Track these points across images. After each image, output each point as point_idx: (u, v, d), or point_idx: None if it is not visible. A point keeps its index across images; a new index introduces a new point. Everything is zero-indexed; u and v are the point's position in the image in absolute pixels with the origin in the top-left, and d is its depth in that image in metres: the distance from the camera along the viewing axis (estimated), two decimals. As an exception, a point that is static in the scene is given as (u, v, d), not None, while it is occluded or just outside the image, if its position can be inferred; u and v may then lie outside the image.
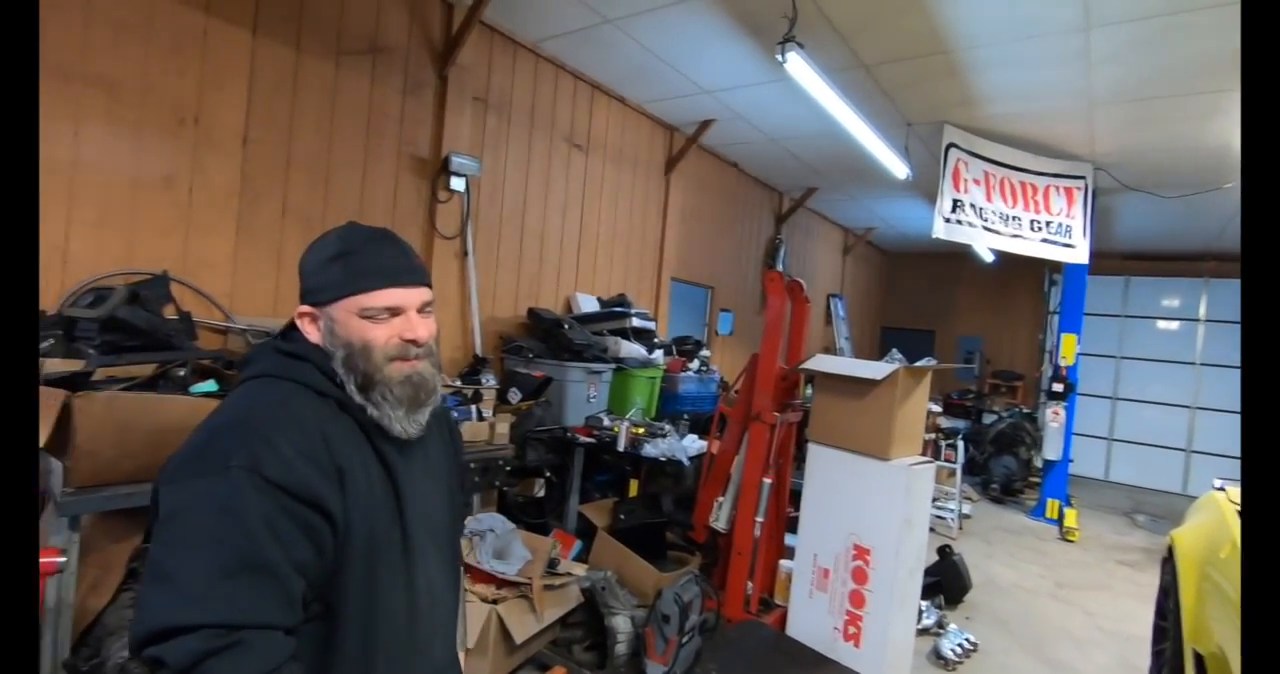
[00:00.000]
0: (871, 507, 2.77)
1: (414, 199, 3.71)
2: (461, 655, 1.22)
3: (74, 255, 2.48)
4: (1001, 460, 7.09)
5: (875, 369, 2.75)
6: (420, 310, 1.02)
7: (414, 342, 0.99)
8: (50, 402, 1.79)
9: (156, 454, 1.88)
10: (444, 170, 3.74)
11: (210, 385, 2.16)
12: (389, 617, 0.95)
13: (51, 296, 2.41)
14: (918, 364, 3.03)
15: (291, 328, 1.05)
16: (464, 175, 3.81)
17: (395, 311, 0.99)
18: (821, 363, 2.98)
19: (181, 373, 2.18)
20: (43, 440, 1.78)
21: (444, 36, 3.76)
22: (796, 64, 3.39)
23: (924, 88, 4.38)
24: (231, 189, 2.94)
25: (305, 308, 1.00)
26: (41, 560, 1.43)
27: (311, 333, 1.00)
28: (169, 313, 2.65)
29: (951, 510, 5.51)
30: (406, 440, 1.03)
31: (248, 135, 2.97)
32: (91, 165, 2.52)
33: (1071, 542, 5.60)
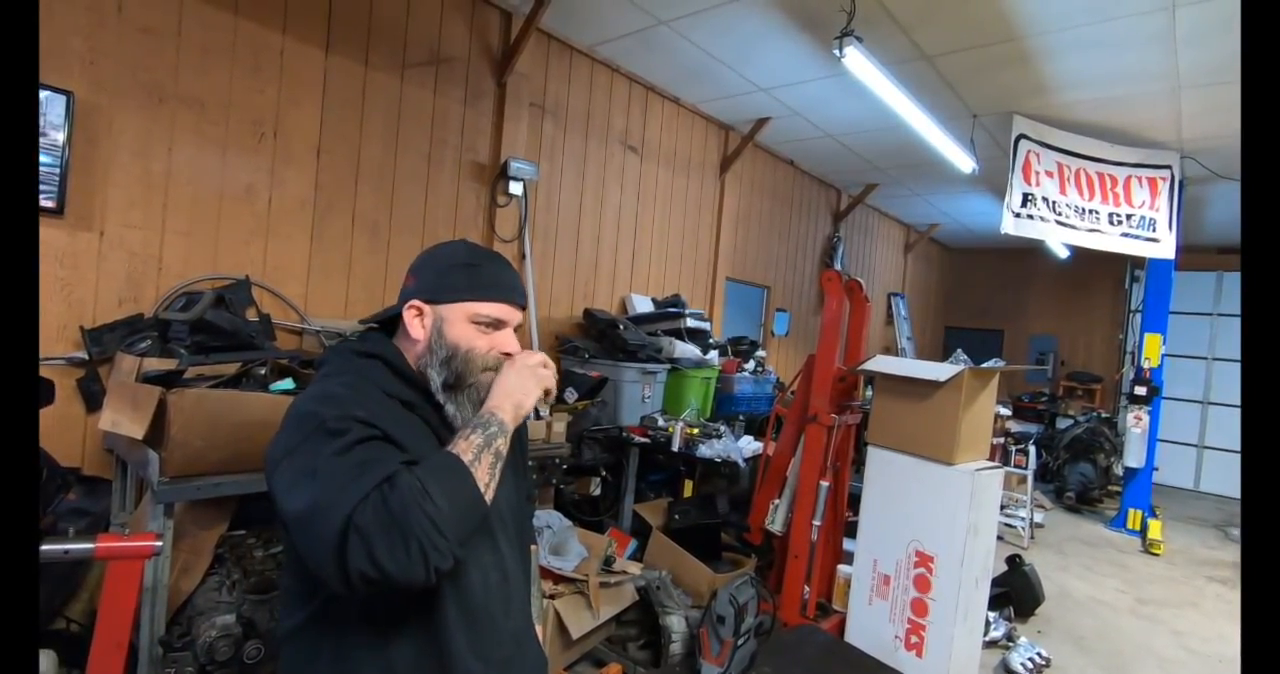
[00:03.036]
0: (935, 513, 2.69)
1: (474, 204, 3.83)
2: (539, 629, 1.28)
3: (167, 263, 2.68)
4: (1077, 467, 6.71)
5: (938, 370, 2.66)
6: (515, 329, 1.13)
7: (508, 355, 1.09)
8: (148, 397, 1.95)
9: (240, 447, 2.03)
10: (502, 175, 3.84)
11: (288, 383, 2.29)
12: (467, 589, 1.02)
13: (148, 301, 2.61)
14: (985, 365, 2.92)
15: (372, 327, 1.14)
16: (522, 180, 3.90)
17: (498, 325, 1.09)
18: (881, 364, 2.91)
19: (262, 371, 2.32)
20: (142, 434, 1.93)
21: (502, 45, 3.86)
22: (855, 59, 3.32)
23: (991, 77, 4.21)
24: (306, 199, 3.11)
25: (418, 303, 1.07)
26: (140, 544, 1.55)
27: (415, 327, 1.07)
28: (250, 315, 2.82)
29: (1022, 519, 5.26)
30: None
31: (320, 148, 3.14)
32: (183, 179, 2.72)
33: (1156, 555, 5.25)
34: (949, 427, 2.63)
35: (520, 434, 1.33)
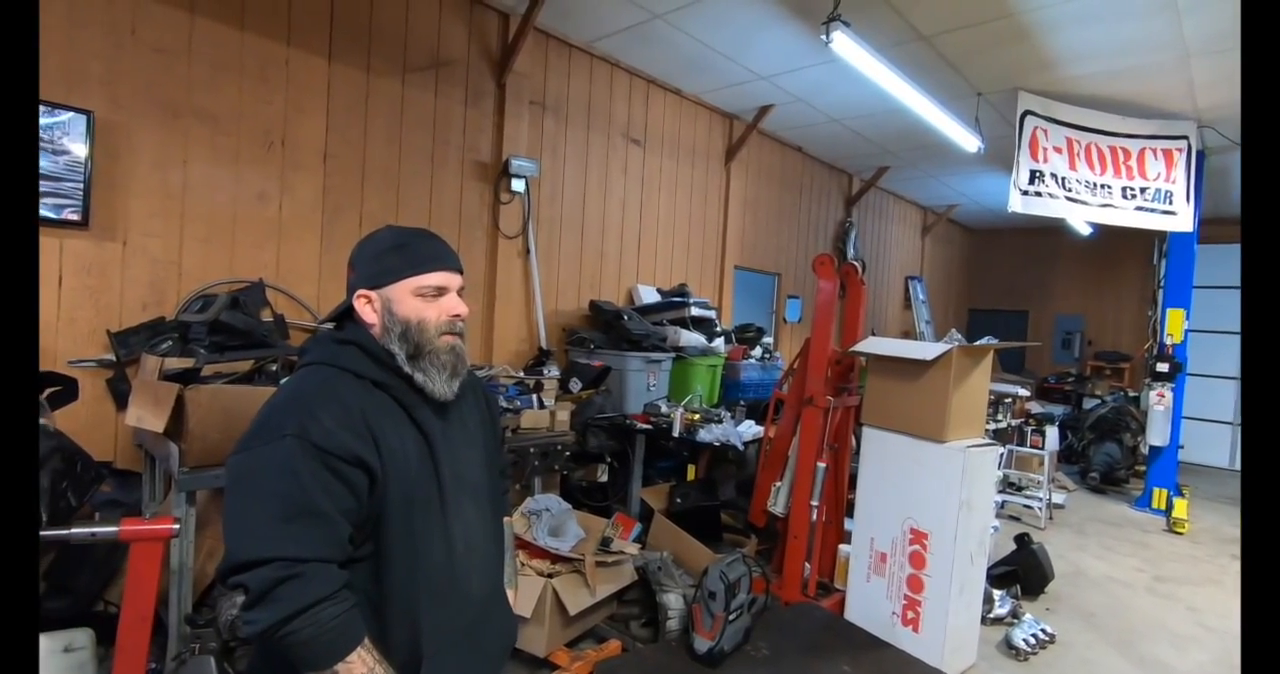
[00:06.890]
0: (927, 490, 2.73)
1: (477, 202, 3.94)
2: (511, 594, 1.38)
3: (187, 268, 2.85)
4: (1103, 447, 6.60)
5: (927, 350, 2.69)
6: (459, 292, 1.22)
7: (458, 317, 1.19)
8: (167, 394, 2.10)
9: (251, 438, 2.17)
10: (504, 173, 3.95)
11: (297, 378, 2.43)
12: (428, 558, 1.12)
13: (169, 305, 2.78)
14: (977, 343, 2.93)
15: (346, 313, 1.22)
16: (523, 177, 4.00)
17: (442, 291, 1.18)
18: (872, 345, 2.94)
19: (274, 368, 2.47)
20: (162, 427, 2.09)
21: (501, 45, 3.95)
22: (843, 43, 3.32)
23: (993, 54, 4.16)
24: (315, 203, 3.25)
25: (364, 291, 1.18)
26: (159, 527, 1.69)
27: (367, 313, 1.18)
28: (265, 315, 2.98)
29: (1040, 499, 5.22)
30: (443, 409, 1.20)
31: (327, 153, 3.28)
32: (199, 188, 2.88)
33: (1180, 533, 5.16)
34: (939, 405, 2.67)
35: (492, 412, 1.43)
